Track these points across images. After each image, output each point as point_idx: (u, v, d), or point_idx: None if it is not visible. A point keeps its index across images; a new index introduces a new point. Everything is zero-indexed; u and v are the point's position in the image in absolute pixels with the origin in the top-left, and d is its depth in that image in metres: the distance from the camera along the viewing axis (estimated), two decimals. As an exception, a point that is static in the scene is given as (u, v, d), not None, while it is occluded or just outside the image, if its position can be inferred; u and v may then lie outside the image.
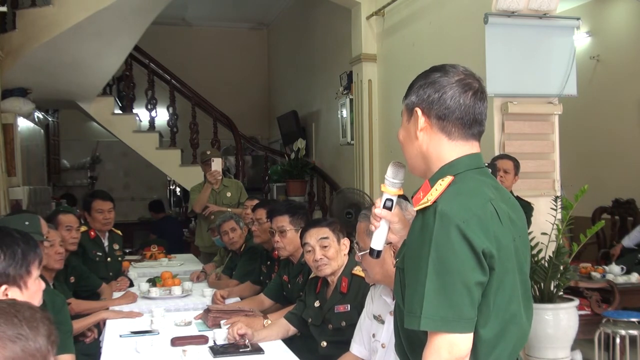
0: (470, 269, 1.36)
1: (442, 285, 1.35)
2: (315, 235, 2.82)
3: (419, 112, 1.51)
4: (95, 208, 4.30)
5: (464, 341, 1.37)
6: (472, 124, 1.50)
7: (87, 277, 3.89)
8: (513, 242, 1.45)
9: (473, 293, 1.36)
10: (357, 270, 2.77)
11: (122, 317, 3.32)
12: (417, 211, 1.47)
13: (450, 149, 1.50)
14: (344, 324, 2.71)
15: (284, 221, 3.36)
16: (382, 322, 2.25)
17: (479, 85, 1.51)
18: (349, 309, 2.72)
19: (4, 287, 1.69)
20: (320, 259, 2.77)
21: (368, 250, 1.67)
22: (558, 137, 4.42)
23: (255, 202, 4.39)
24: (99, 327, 3.34)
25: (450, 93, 1.48)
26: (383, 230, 1.62)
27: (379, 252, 1.64)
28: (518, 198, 4.01)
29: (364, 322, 2.42)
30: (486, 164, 3.80)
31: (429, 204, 1.42)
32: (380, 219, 1.61)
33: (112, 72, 6.96)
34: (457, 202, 1.39)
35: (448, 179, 1.45)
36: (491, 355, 1.42)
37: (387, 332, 2.23)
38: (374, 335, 2.32)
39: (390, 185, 1.60)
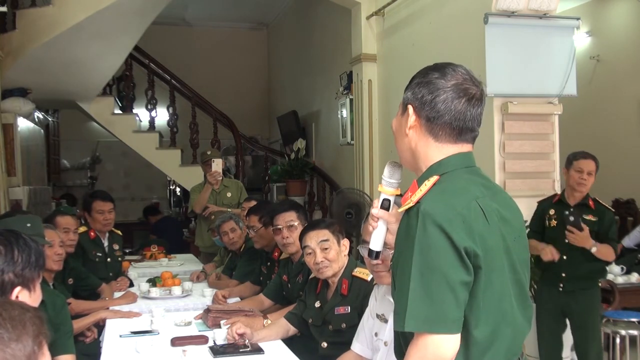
0: (453, 268, 1.35)
1: (426, 286, 1.35)
2: (315, 238, 2.81)
3: (411, 109, 1.51)
4: (95, 209, 4.29)
5: (450, 342, 1.36)
6: (461, 130, 1.49)
7: (86, 278, 3.88)
8: (503, 241, 1.44)
9: (457, 293, 1.35)
10: (358, 272, 2.77)
11: (120, 316, 3.32)
12: (404, 212, 1.46)
13: (437, 150, 1.50)
14: (344, 325, 2.71)
15: (292, 216, 3.38)
16: (386, 321, 2.24)
17: (476, 90, 1.50)
18: (349, 310, 2.72)
19: (18, 288, 1.69)
20: (322, 261, 2.77)
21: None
22: (558, 137, 4.42)
23: (253, 203, 4.37)
24: (99, 326, 3.34)
25: (443, 97, 1.47)
26: (381, 231, 1.61)
27: (377, 253, 1.63)
28: (596, 201, 3.71)
29: (367, 321, 2.41)
30: (571, 155, 3.57)
31: (412, 204, 1.42)
32: (378, 220, 1.60)
33: (112, 72, 6.96)
34: (440, 201, 1.39)
35: (433, 178, 1.45)
36: (485, 356, 1.41)
37: (390, 331, 2.23)
38: (376, 334, 2.31)
39: (387, 185, 1.60)
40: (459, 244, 1.35)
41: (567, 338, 3.82)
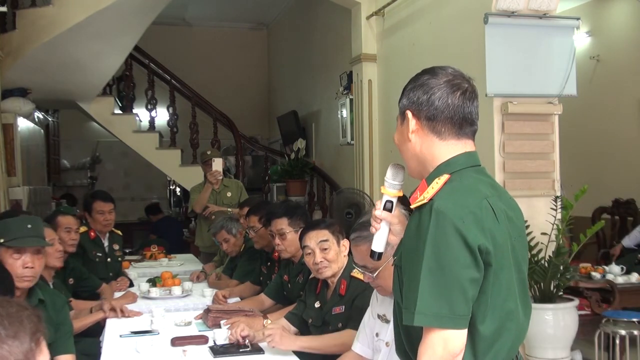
0: (464, 266, 1.37)
1: (436, 282, 1.37)
2: (314, 238, 2.81)
3: (410, 114, 1.54)
4: (96, 209, 4.29)
5: (458, 337, 1.38)
6: (462, 124, 1.52)
7: (86, 278, 3.89)
8: (510, 240, 1.47)
9: (467, 290, 1.38)
10: (356, 273, 2.77)
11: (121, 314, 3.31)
12: (413, 209, 1.48)
13: (443, 148, 1.52)
14: (340, 325, 2.71)
15: (282, 224, 3.35)
16: (387, 321, 2.25)
17: (468, 85, 1.54)
18: (343, 310, 2.72)
19: None
20: (321, 261, 2.77)
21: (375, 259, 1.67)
22: (558, 137, 4.41)
23: (246, 209, 4.28)
24: (100, 326, 3.34)
25: (439, 94, 1.50)
26: (384, 232, 1.63)
27: (380, 254, 1.65)
28: None
29: (368, 322, 2.41)
30: None
31: (425, 201, 1.44)
32: (381, 221, 1.62)
33: (112, 72, 6.96)
34: (453, 199, 1.41)
35: (444, 177, 1.47)
36: (490, 351, 1.44)
37: (391, 331, 2.23)
38: (377, 335, 2.32)
39: (390, 187, 1.61)
40: (472, 242, 1.37)
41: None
